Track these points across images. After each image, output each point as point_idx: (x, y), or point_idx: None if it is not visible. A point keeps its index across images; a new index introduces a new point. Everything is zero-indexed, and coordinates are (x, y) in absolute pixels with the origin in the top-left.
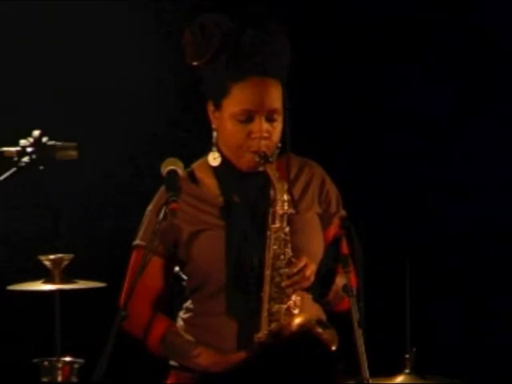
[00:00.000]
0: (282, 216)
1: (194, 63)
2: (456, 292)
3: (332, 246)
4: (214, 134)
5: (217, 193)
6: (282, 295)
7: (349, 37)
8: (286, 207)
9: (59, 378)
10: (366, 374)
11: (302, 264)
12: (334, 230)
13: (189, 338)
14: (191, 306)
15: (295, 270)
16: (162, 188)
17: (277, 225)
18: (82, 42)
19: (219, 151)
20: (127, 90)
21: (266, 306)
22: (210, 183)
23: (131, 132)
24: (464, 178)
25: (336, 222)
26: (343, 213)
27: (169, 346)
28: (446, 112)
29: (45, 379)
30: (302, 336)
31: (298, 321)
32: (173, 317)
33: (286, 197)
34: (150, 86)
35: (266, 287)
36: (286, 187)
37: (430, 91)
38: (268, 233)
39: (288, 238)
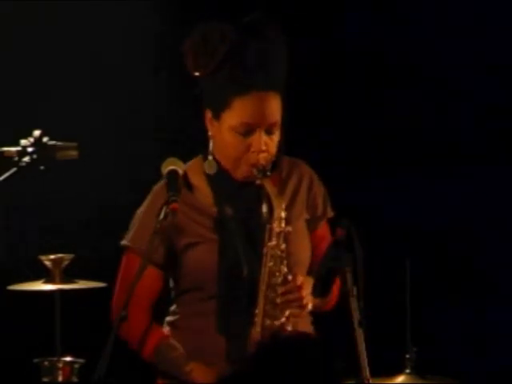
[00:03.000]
0: (278, 234)
1: (196, 73)
2: (456, 292)
3: (332, 247)
4: (211, 142)
5: (211, 202)
6: (275, 312)
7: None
8: (283, 225)
9: (59, 378)
10: (367, 373)
11: (298, 283)
12: (320, 232)
13: (181, 350)
14: (177, 310)
15: (290, 288)
16: (155, 190)
17: (273, 242)
18: (82, 42)
19: (215, 159)
20: (128, 90)
21: (259, 321)
22: (205, 191)
23: (131, 132)
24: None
25: (323, 224)
26: (331, 214)
27: (161, 358)
28: None
29: (45, 379)
30: (300, 337)
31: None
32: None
33: (283, 214)
34: (150, 85)
35: (261, 303)
36: (283, 205)
37: None
38: (264, 250)
39: (284, 255)
